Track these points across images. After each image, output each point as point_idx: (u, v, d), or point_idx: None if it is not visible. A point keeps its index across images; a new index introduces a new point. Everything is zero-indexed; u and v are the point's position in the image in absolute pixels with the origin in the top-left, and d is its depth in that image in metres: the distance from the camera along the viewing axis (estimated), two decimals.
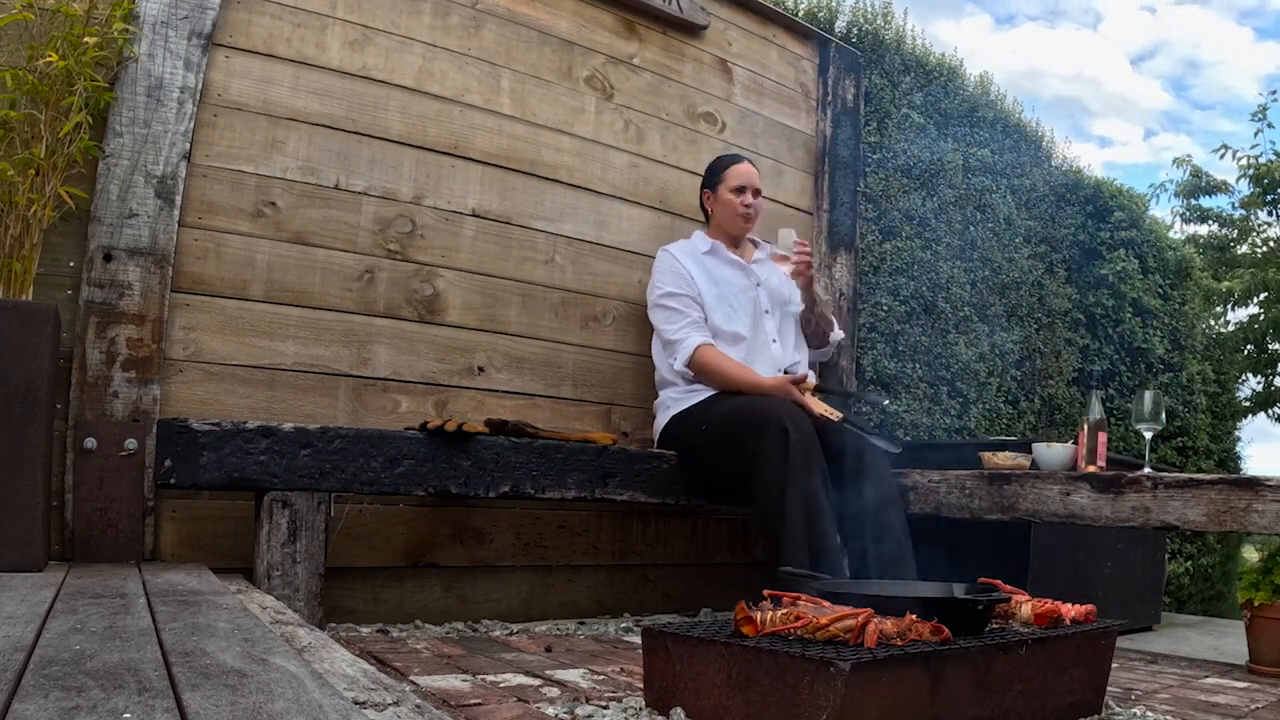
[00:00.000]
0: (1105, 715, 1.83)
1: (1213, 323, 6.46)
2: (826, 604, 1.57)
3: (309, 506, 2.26)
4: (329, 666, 1.26)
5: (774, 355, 2.93)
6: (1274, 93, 6.30)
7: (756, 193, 3.00)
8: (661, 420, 2.91)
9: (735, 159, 3.05)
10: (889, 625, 1.46)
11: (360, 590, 2.58)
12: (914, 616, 1.47)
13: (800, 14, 3.95)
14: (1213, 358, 6.16)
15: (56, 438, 2.11)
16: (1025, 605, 1.85)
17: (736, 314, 2.91)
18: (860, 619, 1.44)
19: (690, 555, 3.24)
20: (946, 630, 1.49)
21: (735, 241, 3.05)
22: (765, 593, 1.58)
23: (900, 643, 1.44)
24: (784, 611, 1.51)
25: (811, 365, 3.09)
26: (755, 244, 3.11)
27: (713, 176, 3.05)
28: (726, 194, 2.99)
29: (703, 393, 2.82)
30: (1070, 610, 1.88)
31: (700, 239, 3.03)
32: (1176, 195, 6.49)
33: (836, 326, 3.19)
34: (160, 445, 2.20)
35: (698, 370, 2.81)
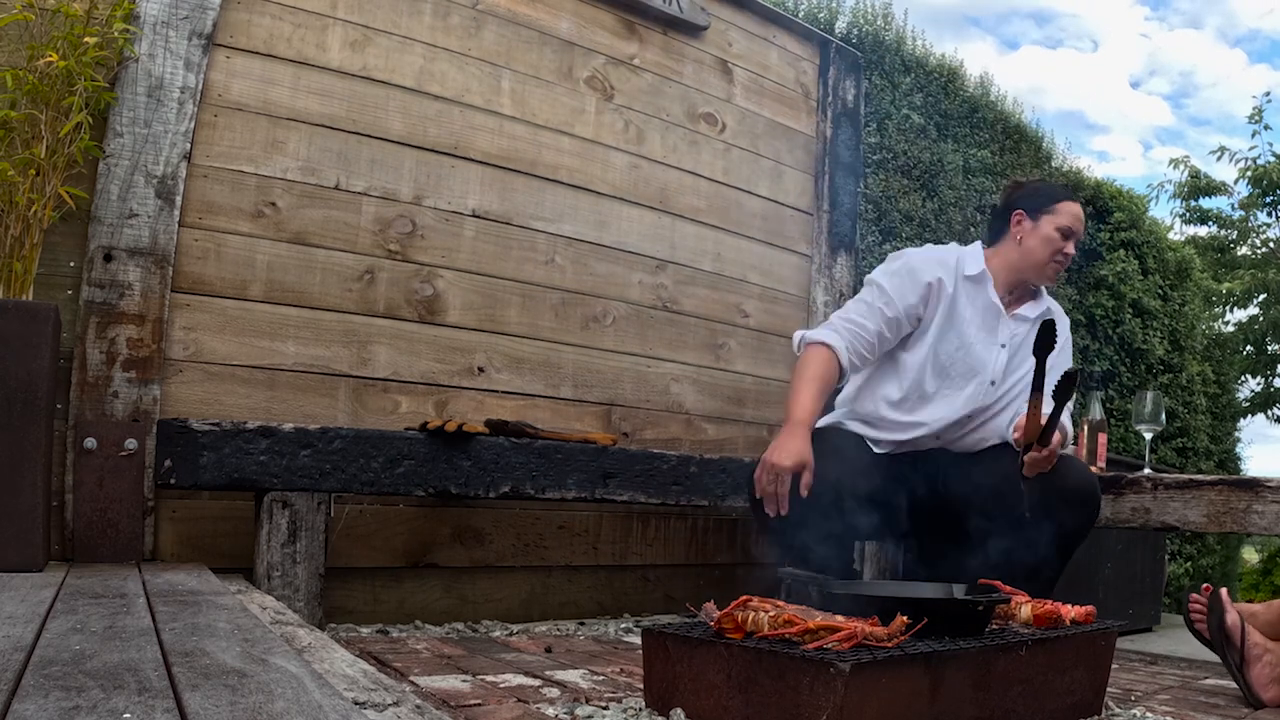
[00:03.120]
0: (1105, 716, 1.83)
1: (1212, 323, 6.47)
2: (791, 607, 1.56)
3: (309, 507, 2.26)
4: (329, 667, 1.26)
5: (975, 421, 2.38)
6: (1267, 94, 6.31)
7: (1078, 244, 2.45)
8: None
9: (1073, 195, 2.48)
10: (880, 632, 1.45)
11: (360, 590, 2.58)
12: (904, 619, 1.46)
13: (800, 15, 3.96)
14: (1213, 358, 6.17)
15: (56, 438, 2.11)
16: (1025, 606, 1.85)
17: (962, 357, 2.36)
18: (844, 633, 1.43)
19: (690, 555, 3.24)
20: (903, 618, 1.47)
21: (1014, 286, 2.46)
22: (743, 597, 1.58)
23: (890, 645, 1.44)
24: (772, 614, 1.51)
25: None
26: (1035, 294, 2.52)
27: (1039, 201, 2.43)
28: (1051, 230, 2.39)
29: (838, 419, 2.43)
30: (1070, 611, 1.87)
31: (973, 259, 2.43)
32: (1175, 197, 6.51)
33: (1069, 427, 2.49)
34: (160, 445, 2.20)
35: (800, 360, 2.32)
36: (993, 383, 2.38)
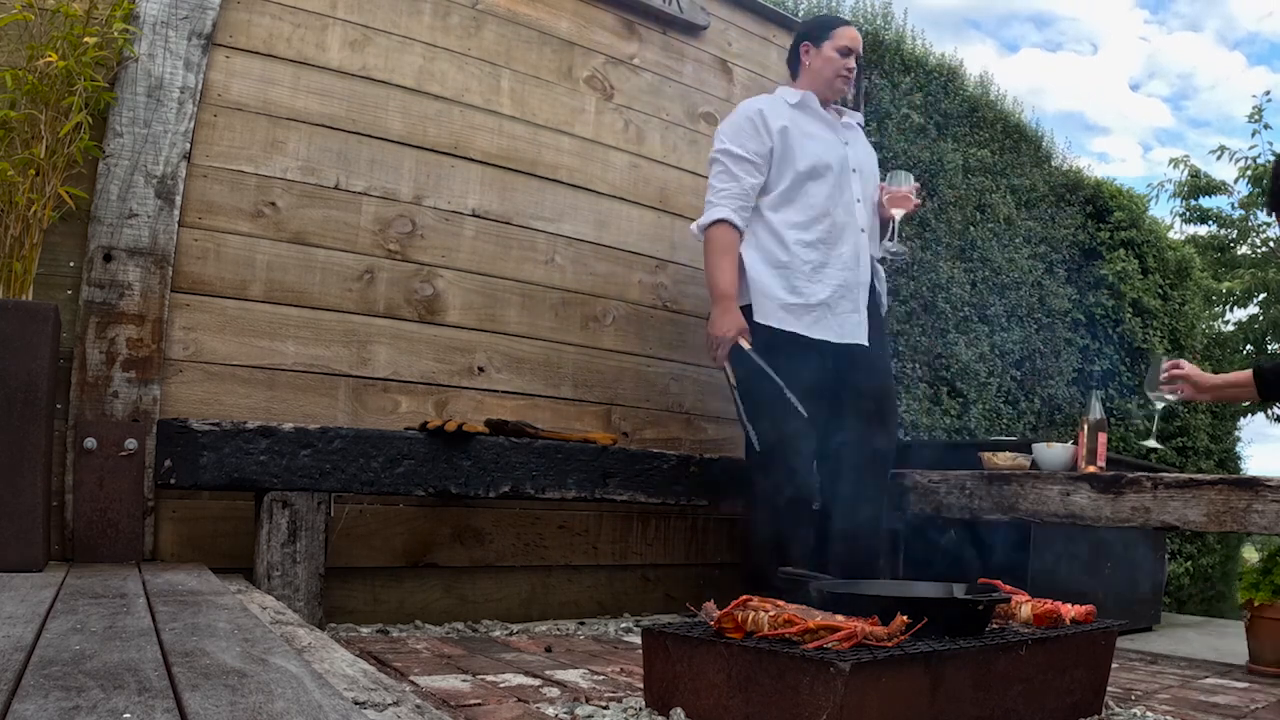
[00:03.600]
0: (1105, 715, 1.83)
1: (1212, 323, 6.47)
2: (790, 606, 1.56)
3: (309, 507, 2.26)
4: (329, 666, 1.26)
5: (858, 215, 2.73)
6: (1267, 93, 6.31)
7: (858, 59, 2.84)
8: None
9: (845, 21, 2.88)
10: (880, 632, 1.45)
11: (360, 590, 2.58)
12: (904, 619, 1.46)
13: (800, 14, 3.95)
14: (1213, 358, 6.17)
15: (56, 438, 2.11)
16: (1025, 606, 1.85)
17: (826, 173, 2.70)
18: (844, 633, 1.43)
19: (690, 555, 3.24)
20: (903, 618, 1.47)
21: (824, 103, 2.83)
22: (743, 597, 1.58)
23: (890, 644, 1.44)
24: (772, 614, 1.51)
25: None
26: (840, 112, 2.90)
27: (817, 31, 2.83)
28: (831, 51, 2.77)
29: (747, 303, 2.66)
30: (1070, 610, 1.88)
31: (787, 92, 2.82)
32: (1175, 196, 6.51)
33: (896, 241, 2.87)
34: (160, 445, 2.20)
35: (705, 243, 2.67)
36: (854, 170, 2.75)
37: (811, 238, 2.66)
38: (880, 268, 2.85)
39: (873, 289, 2.77)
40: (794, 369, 2.53)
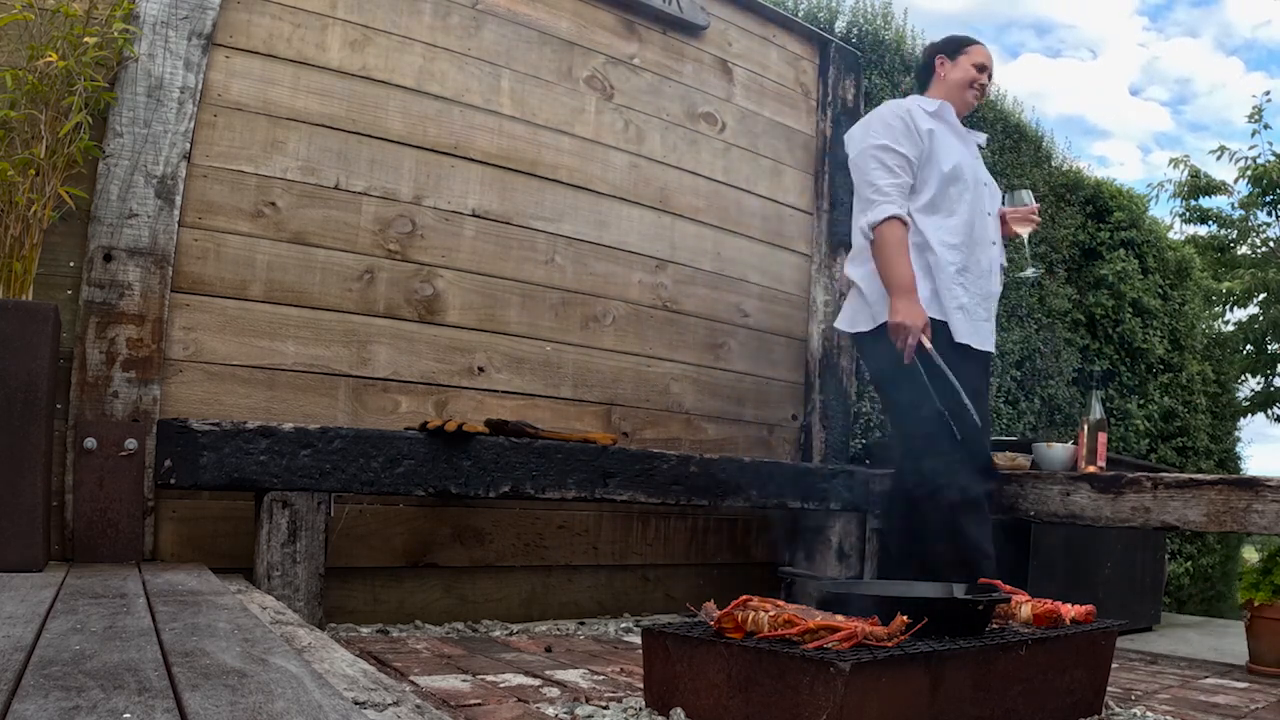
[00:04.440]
0: (1105, 715, 1.83)
1: (1212, 323, 6.46)
2: (789, 606, 1.56)
3: (309, 507, 2.26)
4: (329, 667, 1.26)
5: (990, 228, 2.77)
6: (1267, 93, 6.31)
7: (991, 77, 2.89)
8: (845, 315, 2.81)
9: (978, 41, 2.91)
10: (880, 632, 1.45)
11: (360, 590, 2.58)
12: (904, 619, 1.46)
13: (800, 14, 3.96)
14: (1212, 358, 6.16)
15: (56, 438, 2.11)
16: (1025, 606, 1.85)
17: (968, 177, 2.74)
18: (844, 633, 1.43)
19: (690, 555, 3.24)
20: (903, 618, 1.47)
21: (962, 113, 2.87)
22: (743, 597, 1.58)
23: (890, 644, 1.44)
24: (772, 614, 1.51)
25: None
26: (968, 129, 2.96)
27: (954, 46, 2.88)
28: (968, 65, 2.83)
29: (871, 322, 2.67)
30: (1070, 610, 1.88)
31: (923, 100, 2.82)
32: (1174, 196, 6.50)
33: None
34: (160, 445, 2.20)
35: (877, 240, 2.59)
36: (985, 183, 2.81)
37: (956, 240, 2.67)
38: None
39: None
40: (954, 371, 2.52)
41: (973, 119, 4.35)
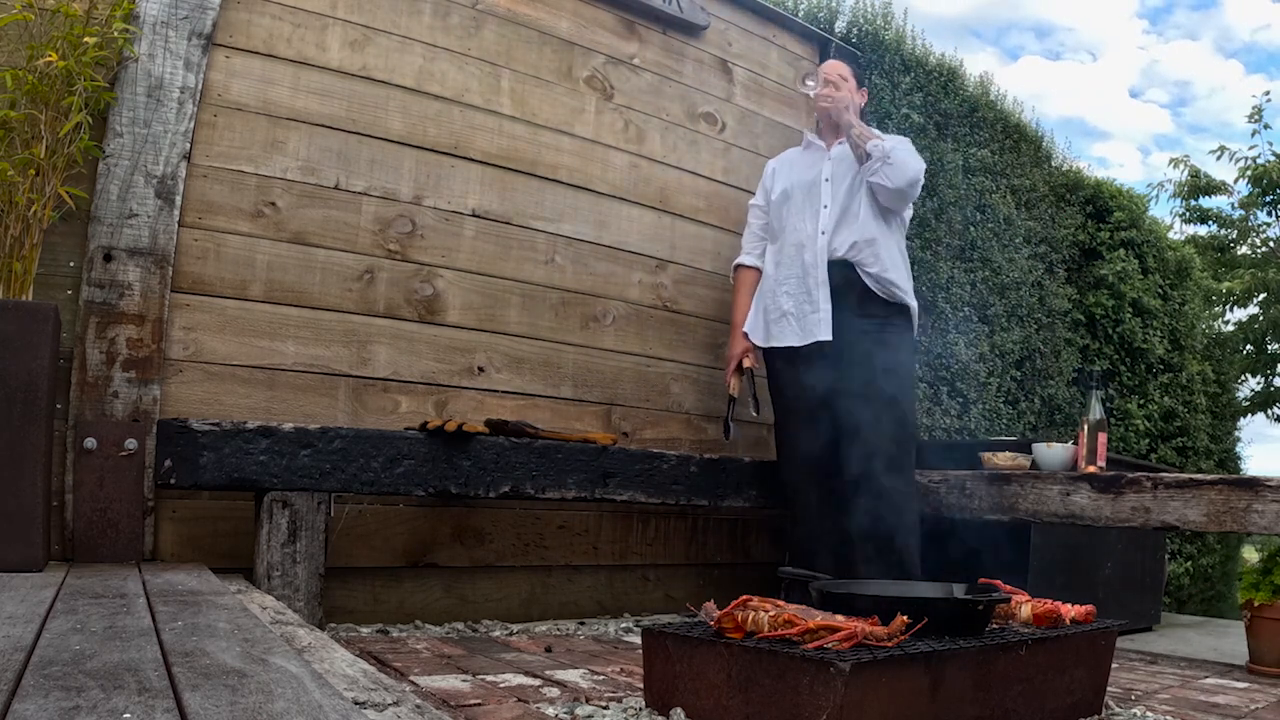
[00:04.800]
0: (1105, 715, 1.83)
1: (1212, 323, 6.46)
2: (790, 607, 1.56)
3: (309, 506, 2.26)
4: (329, 667, 1.26)
5: (821, 220, 2.92)
6: (1267, 93, 6.31)
7: (829, 83, 3.02)
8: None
9: (830, 57, 3.29)
10: (880, 632, 1.45)
11: (360, 590, 2.58)
12: (904, 619, 1.46)
13: (800, 14, 3.95)
14: (1213, 358, 6.16)
15: (56, 438, 2.11)
16: (1025, 606, 1.85)
17: (796, 193, 2.99)
18: (844, 633, 1.43)
19: (690, 555, 3.24)
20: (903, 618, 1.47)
21: (832, 130, 3.04)
22: (743, 597, 1.58)
23: (890, 644, 1.44)
24: (772, 614, 1.51)
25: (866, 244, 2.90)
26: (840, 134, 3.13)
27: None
28: (810, 92, 3.12)
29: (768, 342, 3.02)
30: (1070, 610, 1.88)
31: (807, 135, 3.17)
32: (1174, 196, 6.50)
33: (874, 139, 2.91)
34: (160, 445, 2.20)
35: (734, 284, 3.14)
36: (827, 179, 2.97)
37: (778, 257, 3.01)
38: (865, 256, 2.89)
39: (856, 279, 2.88)
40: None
41: (973, 119, 4.35)
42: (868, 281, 2.84)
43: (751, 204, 3.16)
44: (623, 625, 2.79)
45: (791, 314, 2.90)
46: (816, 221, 2.94)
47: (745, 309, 3.06)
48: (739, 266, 3.12)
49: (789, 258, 2.95)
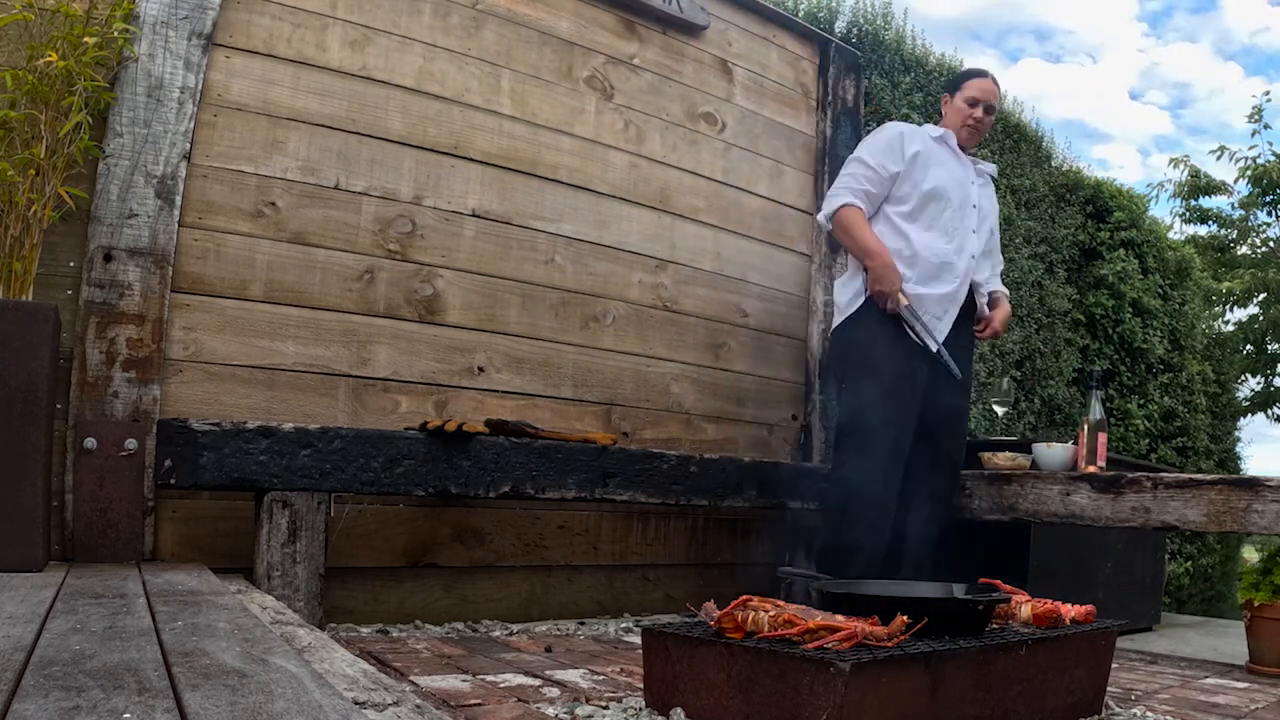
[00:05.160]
0: (1105, 715, 1.83)
1: (1212, 323, 6.46)
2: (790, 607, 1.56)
3: (309, 506, 2.26)
4: (329, 666, 1.26)
5: (969, 244, 2.91)
6: (1267, 93, 6.31)
7: (990, 110, 3.01)
8: (835, 320, 3.02)
9: (981, 74, 3.07)
10: (880, 632, 1.45)
11: (360, 590, 2.58)
12: (904, 619, 1.46)
13: (800, 14, 3.96)
14: (1213, 358, 6.16)
15: (56, 438, 2.11)
16: (1025, 606, 1.85)
17: (949, 190, 2.91)
18: (844, 633, 1.43)
19: (690, 555, 3.24)
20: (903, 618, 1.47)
21: (961, 147, 3.03)
22: (743, 597, 1.58)
23: (890, 644, 1.44)
24: (772, 614, 1.51)
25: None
26: (976, 159, 3.09)
27: (954, 83, 3.08)
28: (960, 102, 3.00)
29: (854, 308, 2.87)
30: (1070, 610, 1.88)
31: (931, 127, 3.06)
32: (1174, 196, 6.50)
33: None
34: (160, 445, 2.20)
35: (835, 226, 2.90)
36: (975, 206, 2.95)
37: (929, 249, 2.86)
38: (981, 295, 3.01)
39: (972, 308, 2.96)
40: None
41: None
42: (979, 303, 2.99)
43: (867, 160, 2.90)
44: (623, 625, 2.79)
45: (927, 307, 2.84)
46: (966, 240, 2.91)
47: (877, 239, 2.83)
48: (848, 205, 2.86)
49: (932, 265, 2.84)
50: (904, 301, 2.75)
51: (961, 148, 3.00)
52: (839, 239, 2.95)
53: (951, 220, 2.89)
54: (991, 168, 3.11)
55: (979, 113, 2.99)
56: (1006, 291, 3.11)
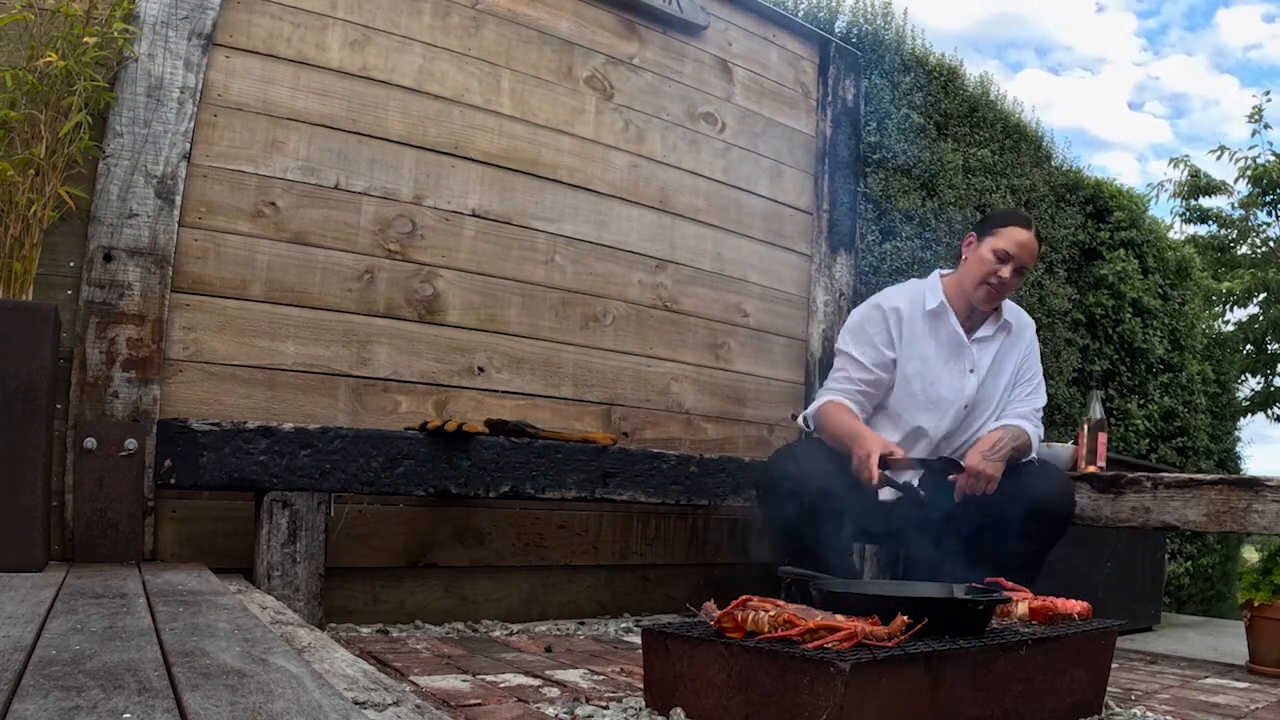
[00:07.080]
0: (1105, 715, 1.83)
1: (1212, 323, 6.46)
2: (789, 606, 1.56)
3: (309, 506, 2.26)
4: (329, 666, 1.26)
5: (963, 426, 2.52)
6: (1267, 93, 6.31)
7: (1020, 272, 2.45)
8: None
9: (1021, 220, 2.47)
10: (880, 631, 1.45)
11: (360, 590, 2.58)
12: (904, 619, 1.46)
13: (800, 14, 3.96)
14: (1213, 358, 6.16)
15: (56, 438, 2.11)
16: (1021, 602, 1.85)
17: (933, 393, 2.49)
18: (844, 633, 1.43)
19: (690, 555, 3.24)
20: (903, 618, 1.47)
21: (969, 309, 2.53)
22: (743, 597, 1.58)
23: (890, 644, 1.44)
24: (772, 614, 1.51)
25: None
26: (995, 310, 2.59)
27: (987, 224, 2.51)
28: (987, 251, 2.44)
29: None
30: (1065, 605, 1.88)
31: (933, 292, 2.54)
32: (1174, 196, 6.50)
33: (1029, 430, 2.49)
34: (160, 445, 2.20)
35: (816, 426, 2.46)
36: (966, 407, 2.51)
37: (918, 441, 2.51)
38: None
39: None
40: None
41: (973, 119, 4.34)
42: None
43: (859, 360, 2.48)
44: (623, 625, 2.80)
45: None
46: (956, 433, 2.52)
47: (858, 423, 2.39)
48: (829, 403, 2.45)
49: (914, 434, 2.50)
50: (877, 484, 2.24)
51: (965, 313, 2.51)
52: (823, 436, 2.44)
53: (937, 426, 2.50)
54: (1016, 318, 2.58)
55: (1006, 272, 2.42)
56: (1015, 423, 2.48)
